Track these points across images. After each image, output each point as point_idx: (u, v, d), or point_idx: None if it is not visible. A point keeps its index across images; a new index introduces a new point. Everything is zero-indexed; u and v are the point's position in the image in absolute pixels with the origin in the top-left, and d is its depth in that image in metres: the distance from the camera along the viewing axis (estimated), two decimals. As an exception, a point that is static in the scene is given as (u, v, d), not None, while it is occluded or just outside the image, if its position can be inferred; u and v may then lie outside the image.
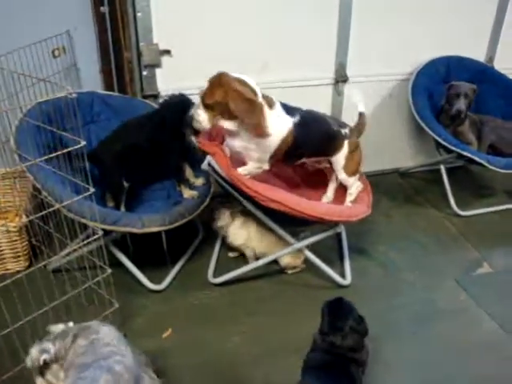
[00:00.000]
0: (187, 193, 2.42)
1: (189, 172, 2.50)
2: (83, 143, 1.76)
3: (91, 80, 2.87)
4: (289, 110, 2.15)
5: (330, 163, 2.36)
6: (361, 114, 2.42)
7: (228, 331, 2.14)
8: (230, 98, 1.93)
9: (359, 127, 2.40)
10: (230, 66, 2.77)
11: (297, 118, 2.12)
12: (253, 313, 2.25)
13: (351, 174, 2.34)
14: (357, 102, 2.42)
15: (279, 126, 2.07)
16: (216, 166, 2.22)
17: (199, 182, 2.48)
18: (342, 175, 2.34)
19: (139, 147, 2.37)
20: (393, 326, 2.21)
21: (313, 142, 2.20)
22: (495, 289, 2.45)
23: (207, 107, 1.98)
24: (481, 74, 3.29)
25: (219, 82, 1.96)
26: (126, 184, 2.39)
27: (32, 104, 2.22)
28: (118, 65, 2.82)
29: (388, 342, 2.12)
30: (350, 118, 3.16)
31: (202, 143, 2.17)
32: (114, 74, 2.85)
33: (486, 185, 3.42)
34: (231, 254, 2.60)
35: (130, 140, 2.38)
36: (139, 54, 2.63)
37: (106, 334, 1.55)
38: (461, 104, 2.96)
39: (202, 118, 1.99)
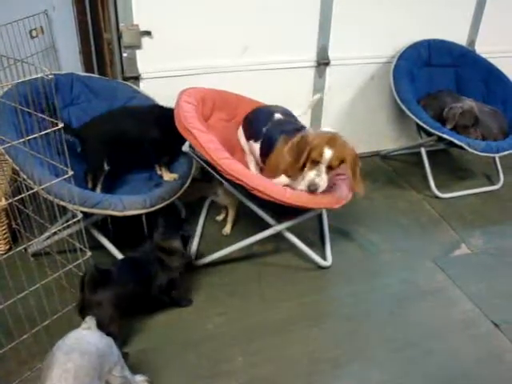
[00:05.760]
0: (167, 175, 2.42)
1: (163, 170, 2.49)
2: (61, 125, 1.74)
3: (70, 62, 2.83)
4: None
5: None
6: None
7: (209, 312, 2.15)
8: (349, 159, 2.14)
9: None
10: (210, 49, 2.78)
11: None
12: (233, 294, 2.26)
13: None
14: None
15: None
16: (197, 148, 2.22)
17: (173, 176, 2.45)
18: None
19: (129, 137, 2.40)
20: (372, 307, 2.25)
21: None
22: (472, 270, 2.50)
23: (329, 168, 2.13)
24: (462, 57, 3.32)
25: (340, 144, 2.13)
26: (106, 167, 2.39)
27: (8, 85, 2.18)
28: (98, 46, 2.78)
29: (367, 322, 2.16)
30: (331, 101, 3.21)
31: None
32: (94, 56, 2.81)
33: (466, 168, 3.47)
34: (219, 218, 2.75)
35: (120, 127, 2.40)
36: (119, 36, 2.59)
37: None
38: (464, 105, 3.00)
39: (325, 179, 2.13)
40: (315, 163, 2.12)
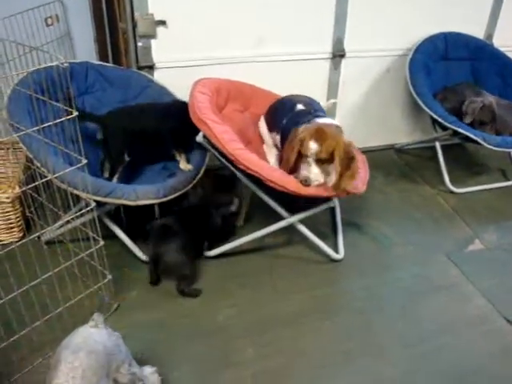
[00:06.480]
0: (183, 164, 2.41)
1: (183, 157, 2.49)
2: (75, 114, 1.74)
3: (85, 50, 2.84)
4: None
5: None
6: None
7: (220, 303, 2.15)
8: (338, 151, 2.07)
9: None
10: (225, 39, 2.77)
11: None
12: (245, 285, 2.26)
13: None
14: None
15: None
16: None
17: (188, 167, 2.45)
18: None
19: (150, 129, 2.40)
20: (384, 301, 2.23)
21: None
22: (486, 265, 2.48)
23: (319, 162, 2.10)
24: (479, 50, 3.27)
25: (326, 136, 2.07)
26: (127, 158, 2.39)
27: (24, 73, 2.18)
28: (113, 35, 2.78)
29: (379, 316, 2.14)
30: (346, 94, 3.18)
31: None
32: (109, 45, 2.81)
33: (481, 162, 3.43)
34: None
35: (143, 120, 2.39)
36: (134, 25, 2.58)
37: None
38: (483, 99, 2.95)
39: (316, 173, 2.10)
40: (305, 157, 2.11)
